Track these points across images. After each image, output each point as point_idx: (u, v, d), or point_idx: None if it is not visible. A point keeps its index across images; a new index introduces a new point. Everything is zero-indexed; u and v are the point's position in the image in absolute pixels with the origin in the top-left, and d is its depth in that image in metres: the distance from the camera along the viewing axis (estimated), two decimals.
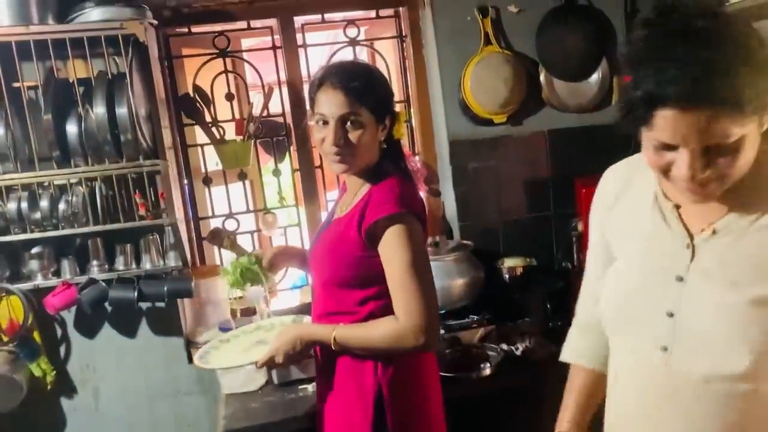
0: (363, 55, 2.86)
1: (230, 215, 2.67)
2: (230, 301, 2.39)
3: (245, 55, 2.69)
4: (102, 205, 2.21)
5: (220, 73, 2.60)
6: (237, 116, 2.64)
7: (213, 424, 2.45)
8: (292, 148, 2.71)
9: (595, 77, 2.61)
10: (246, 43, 2.78)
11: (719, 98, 0.87)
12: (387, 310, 1.50)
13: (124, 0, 2.19)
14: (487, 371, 2.03)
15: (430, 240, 2.36)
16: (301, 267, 1.92)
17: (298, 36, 2.63)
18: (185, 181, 2.59)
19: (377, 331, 1.49)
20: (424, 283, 1.46)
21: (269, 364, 1.58)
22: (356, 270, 1.52)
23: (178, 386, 2.54)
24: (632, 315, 1.13)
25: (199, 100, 2.54)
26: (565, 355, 1.39)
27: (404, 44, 2.75)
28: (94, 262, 2.30)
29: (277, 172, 2.71)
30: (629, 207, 1.19)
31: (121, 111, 2.16)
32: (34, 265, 2.25)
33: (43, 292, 2.23)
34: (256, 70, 2.65)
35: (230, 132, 2.60)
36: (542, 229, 2.69)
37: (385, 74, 2.70)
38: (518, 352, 2.14)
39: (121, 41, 2.14)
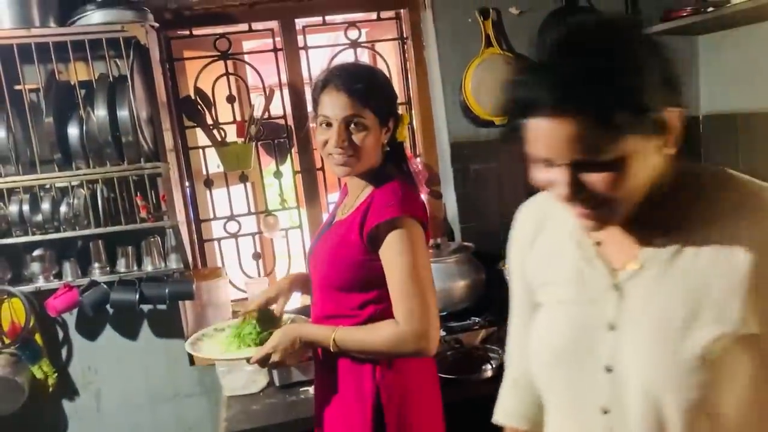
0: (364, 56, 2.86)
1: (231, 217, 2.67)
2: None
3: (246, 58, 2.70)
4: (103, 208, 2.21)
5: (222, 76, 2.60)
6: (238, 118, 2.65)
7: (214, 426, 2.46)
8: (293, 150, 2.71)
9: None
10: (247, 45, 2.79)
11: (586, 108, 0.80)
12: (387, 313, 1.49)
13: (125, 3, 2.19)
14: (489, 373, 2.03)
15: (431, 242, 2.36)
16: (303, 290, 1.87)
17: (299, 38, 2.64)
18: (186, 184, 2.60)
19: (377, 335, 1.48)
20: (424, 287, 1.45)
21: (264, 360, 1.55)
22: (357, 273, 1.52)
23: (180, 388, 2.54)
24: (566, 373, 1.00)
25: (200, 102, 2.55)
26: (497, 415, 1.23)
27: (405, 46, 2.75)
28: (96, 265, 2.30)
29: (278, 174, 2.71)
30: (548, 247, 1.07)
31: (123, 113, 2.16)
32: (35, 267, 2.25)
33: (45, 295, 2.24)
34: (258, 72, 2.66)
35: (231, 134, 2.61)
36: None
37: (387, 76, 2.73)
38: None
39: (122, 44, 2.14)
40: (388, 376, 1.53)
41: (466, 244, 2.52)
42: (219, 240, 2.70)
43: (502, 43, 2.57)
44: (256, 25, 2.63)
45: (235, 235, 2.69)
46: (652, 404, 0.89)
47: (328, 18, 2.68)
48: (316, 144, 1.60)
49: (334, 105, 1.49)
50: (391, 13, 2.73)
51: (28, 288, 2.24)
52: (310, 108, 2.02)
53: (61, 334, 2.44)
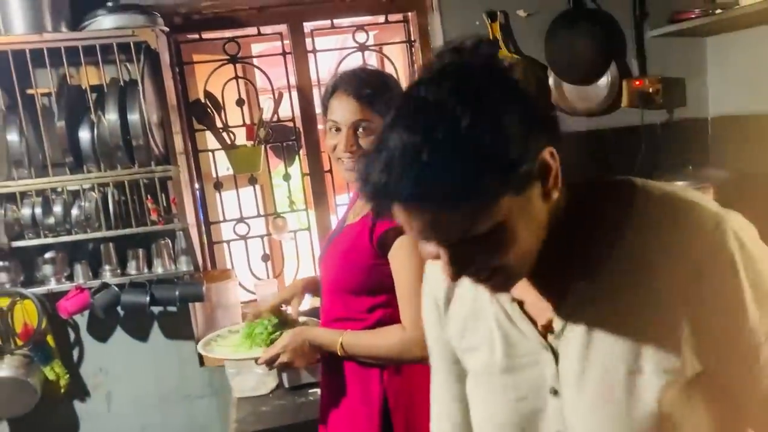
0: (372, 60, 2.87)
1: (241, 219, 2.69)
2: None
3: (255, 61, 2.71)
4: (114, 211, 2.23)
5: (231, 79, 2.62)
6: (247, 121, 2.66)
7: (224, 428, 2.47)
8: (301, 152, 2.72)
9: (604, 81, 2.61)
10: (256, 48, 2.81)
11: (431, 199, 0.69)
12: (395, 317, 1.50)
13: (135, 7, 2.21)
14: None
15: None
16: (315, 293, 1.90)
17: (308, 41, 2.65)
18: (196, 186, 2.61)
19: (384, 340, 1.49)
20: None
21: (273, 361, 1.57)
22: (366, 277, 1.52)
23: (190, 390, 2.55)
24: None
25: (209, 105, 2.56)
26: None
27: (413, 49, 2.76)
28: (107, 267, 2.32)
29: (287, 177, 2.73)
30: (466, 308, 0.94)
31: (133, 117, 2.18)
32: (47, 269, 2.28)
33: (57, 297, 2.26)
34: (266, 76, 2.67)
35: (241, 137, 2.62)
36: None
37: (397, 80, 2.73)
38: None
39: (133, 48, 2.16)
40: (396, 380, 1.53)
41: None
42: (228, 242, 2.72)
43: (509, 45, 2.57)
44: (264, 29, 2.64)
45: (244, 237, 2.70)
46: None
47: (336, 21, 2.69)
48: (326, 148, 1.60)
49: (343, 110, 1.50)
50: (398, 16, 2.74)
51: (40, 290, 2.26)
52: (318, 110, 2.02)
53: (72, 336, 2.46)
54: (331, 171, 2.70)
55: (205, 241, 2.65)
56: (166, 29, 2.30)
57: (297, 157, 2.75)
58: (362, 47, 2.70)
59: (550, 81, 2.59)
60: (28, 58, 2.10)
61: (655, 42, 2.63)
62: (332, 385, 1.65)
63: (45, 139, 2.18)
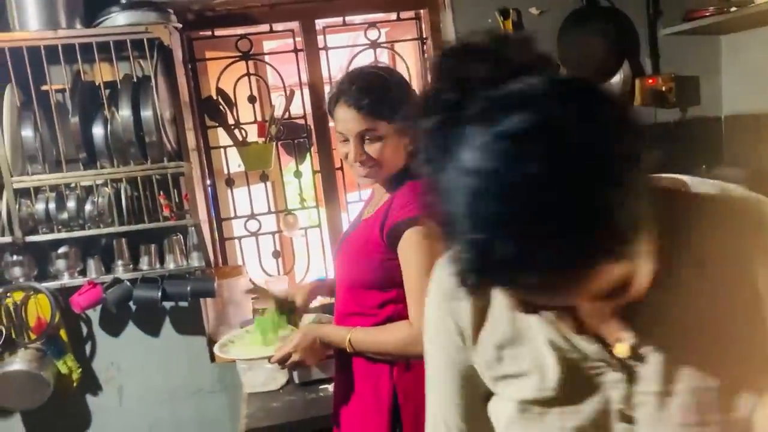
0: (384, 57, 2.87)
1: (252, 216, 2.70)
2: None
3: (267, 58, 2.72)
4: (127, 206, 2.25)
5: (243, 76, 2.63)
6: (259, 118, 2.67)
7: (234, 423, 2.48)
8: (312, 149, 2.73)
9: (617, 79, 2.60)
10: (268, 45, 2.81)
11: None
12: (406, 313, 1.50)
13: (149, 4, 2.22)
14: None
15: None
16: (328, 295, 1.92)
17: (320, 38, 2.65)
18: (208, 183, 2.63)
19: (390, 336, 1.50)
20: None
21: (285, 360, 1.59)
22: (378, 273, 1.52)
23: (201, 385, 2.57)
24: None
25: (222, 102, 2.57)
26: None
27: (425, 46, 2.75)
28: (119, 262, 2.34)
29: (298, 174, 2.73)
30: (501, 336, 0.81)
31: (146, 113, 2.19)
32: (60, 264, 2.30)
33: (70, 291, 2.28)
34: (278, 73, 2.68)
35: (252, 134, 2.63)
36: None
37: (405, 75, 2.73)
38: None
39: (146, 45, 2.18)
40: (406, 377, 1.53)
41: None
42: (240, 238, 2.73)
43: None
44: (276, 26, 2.65)
45: (255, 234, 2.71)
46: None
47: (348, 18, 2.69)
48: (339, 154, 1.61)
49: (347, 121, 1.51)
50: (410, 14, 2.74)
51: (53, 284, 2.28)
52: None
53: (85, 330, 2.48)
54: (342, 168, 2.70)
55: (217, 238, 2.66)
56: (179, 26, 2.31)
57: (308, 155, 2.75)
58: (374, 44, 2.70)
59: None
60: (42, 55, 2.12)
61: (668, 40, 2.61)
62: (344, 382, 1.66)
63: (59, 135, 2.20)
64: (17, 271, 2.27)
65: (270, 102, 2.73)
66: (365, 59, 2.73)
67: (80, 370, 2.40)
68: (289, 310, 1.76)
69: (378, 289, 1.55)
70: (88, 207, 2.24)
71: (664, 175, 0.79)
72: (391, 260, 1.50)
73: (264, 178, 2.69)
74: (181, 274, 2.34)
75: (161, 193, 2.30)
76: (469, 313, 0.83)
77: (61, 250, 2.29)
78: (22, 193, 2.22)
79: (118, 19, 2.18)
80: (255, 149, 2.57)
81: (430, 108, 0.65)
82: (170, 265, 2.36)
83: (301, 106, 2.70)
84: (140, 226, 2.26)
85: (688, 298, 0.73)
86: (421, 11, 2.71)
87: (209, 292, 2.34)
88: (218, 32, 2.60)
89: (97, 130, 2.22)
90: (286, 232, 2.73)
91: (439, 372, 0.91)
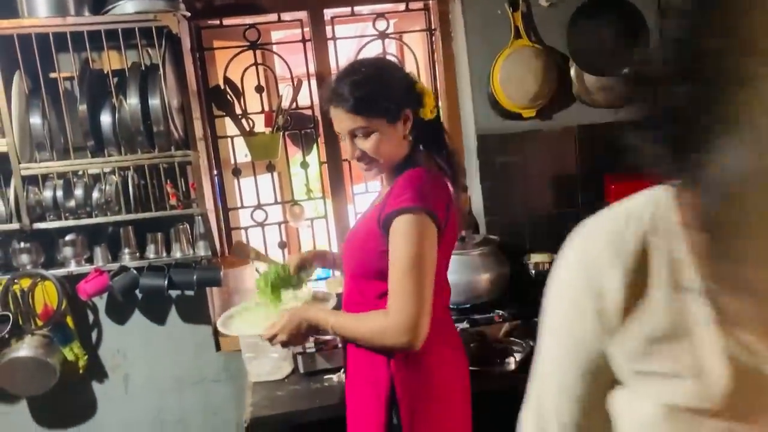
0: (392, 47, 2.86)
1: (258, 206, 2.70)
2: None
3: (275, 48, 2.71)
4: (134, 195, 2.26)
5: (251, 66, 2.63)
6: (266, 108, 2.67)
7: (239, 412, 2.49)
8: (319, 140, 2.72)
9: (626, 72, 2.58)
10: (276, 35, 2.81)
11: None
12: None
13: None
14: (512, 366, 2.03)
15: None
16: (325, 266, 1.95)
17: (328, 29, 2.65)
18: (215, 172, 2.63)
19: (365, 325, 1.50)
20: (419, 282, 1.42)
21: (272, 339, 1.62)
22: (378, 263, 1.51)
23: (206, 373, 2.58)
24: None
25: (229, 92, 2.57)
26: None
27: (433, 37, 2.74)
28: (126, 250, 2.35)
29: (304, 165, 2.73)
30: (654, 328, 0.68)
31: (154, 102, 2.19)
32: (68, 251, 2.31)
33: (77, 279, 2.29)
34: (286, 63, 2.68)
35: (260, 124, 2.63)
36: (569, 226, 2.65)
37: (413, 67, 2.72)
38: None
39: (154, 33, 2.17)
40: (403, 368, 1.53)
41: (490, 237, 2.52)
42: (246, 228, 2.73)
43: (531, 35, 2.55)
44: (284, 16, 2.65)
45: (261, 224, 2.71)
46: None
47: (357, 9, 2.68)
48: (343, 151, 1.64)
49: (338, 121, 1.55)
50: (419, 4, 2.73)
51: (60, 272, 2.29)
52: None
53: (91, 318, 2.49)
54: (348, 160, 2.70)
55: (223, 227, 2.66)
56: (188, 14, 2.31)
57: (315, 146, 2.75)
58: (382, 35, 2.69)
59: (572, 71, 2.57)
60: (51, 42, 2.12)
61: None
62: (350, 371, 1.68)
63: (67, 123, 2.21)
64: (25, 258, 2.28)
65: (277, 92, 2.73)
66: (373, 50, 2.72)
67: (86, 357, 2.42)
68: (290, 276, 1.81)
69: (379, 279, 1.54)
70: (95, 195, 2.24)
71: None
72: (387, 251, 1.50)
73: (271, 168, 2.69)
74: (188, 263, 2.35)
75: (168, 181, 2.31)
76: (618, 292, 0.69)
77: (69, 237, 2.30)
78: (29, 181, 2.23)
79: (127, 7, 2.18)
80: (262, 139, 2.57)
81: None
82: (177, 253, 2.36)
83: (308, 97, 2.69)
84: (147, 215, 2.26)
85: None
86: (430, 2, 2.70)
87: (215, 281, 2.35)
88: (226, 21, 2.60)
89: (105, 118, 2.22)
90: (292, 223, 2.73)
91: (560, 358, 0.77)
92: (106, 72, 2.23)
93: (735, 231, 0.56)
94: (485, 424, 1.78)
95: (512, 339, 2.18)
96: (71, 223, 2.25)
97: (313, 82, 2.66)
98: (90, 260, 2.34)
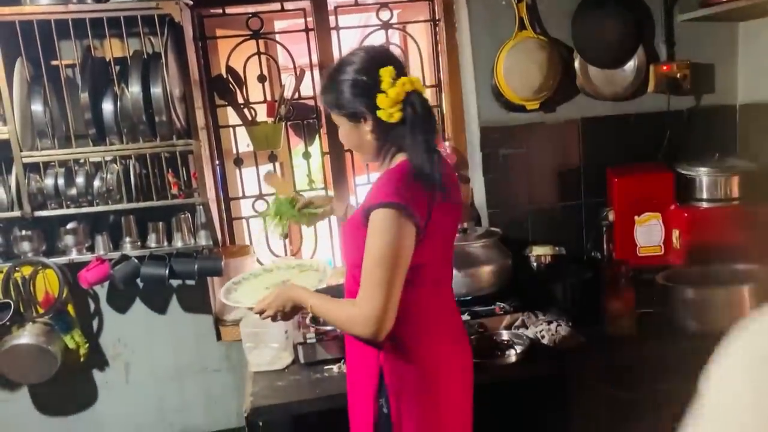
0: (395, 38, 2.84)
1: (260, 196, 2.70)
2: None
3: (278, 37, 2.70)
4: (135, 183, 2.25)
5: (253, 55, 2.61)
6: (268, 98, 2.66)
7: (240, 401, 2.50)
8: (322, 131, 2.72)
9: (631, 65, 2.57)
10: (279, 25, 2.79)
11: None
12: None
13: None
14: (512, 359, 2.03)
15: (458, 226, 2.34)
16: (332, 213, 2.06)
17: (331, 18, 2.63)
18: (217, 162, 2.62)
19: (337, 311, 1.52)
20: (387, 275, 1.42)
21: (259, 313, 1.64)
22: (361, 252, 1.52)
23: (207, 363, 2.59)
24: None
25: (231, 81, 2.56)
26: None
27: (437, 28, 2.73)
28: (127, 239, 2.34)
29: (306, 155, 2.72)
30: None
31: (156, 91, 2.19)
32: (69, 240, 2.31)
33: (78, 267, 2.29)
34: (289, 53, 2.66)
35: (261, 114, 2.62)
36: (572, 218, 2.67)
37: (416, 56, 2.70)
38: (544, 341, 2.13)
39: (156, 21, 2.17)
40: (391, 359, 1.53)
41: (493, 229, 2.51)
42: (248, 218, 2.73)
43: (535, 26, 2.53)
44: (288, 5, 2.63)
45: (263, 214, 2.71)
46: None
47: None
48: None
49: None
50: None
51: (61, 260, 2.29)
52: None
53: (92, 306, 2.50)
54: (351, 151, 2.69)
55: (225, 217, 2.66)
56: (190, 2, 2.30)
57: (317, 136, 2.74)
58: (386, 25, 2.67)
59: (576, 64, 2.55)
60: (53, 29, 2.11)
61: (684, 26, 2.57)
62: (347, 359, 1.70)
63: (68, 111, 2.20)
64: (26, 245, 2.28)
65: (280, 82, 2.71)
66: (377, 40, 2.70)
67: (87, 345, 2.42)
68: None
69: None
70: (96, 183, 2.24)
71: None
72: None
73: (273, 158, 2.68)
74: (189, 253, 2.35)
75: (170, 170, 2.30)
76: None
77: (70, 225, 2.30)
78: (31, 168, 2.22)
79: None
80: (264, 129, 2.56)
81: None
82: (178, 243, 2.36)
83: (311, 87, 2.68)
84: (148, 204, 2.26)
85: None
86: None
87: (216, 271, 2.35)
88: (229, 10, 2.58)
89: (107, 107, 2.21)
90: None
91: None
92: (108, 60, 2.22)
93: None
94: (486, 415, 1.78)
95: (513, 331, 2.18)
96: (72, 211, 2.24)
97: (316, 72, 2.65)
98: (91, 249, 2.34)
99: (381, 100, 1.46)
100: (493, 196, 2.63)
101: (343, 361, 1.98)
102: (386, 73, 1.46)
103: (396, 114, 1.47)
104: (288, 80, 2.61)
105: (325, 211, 2.02)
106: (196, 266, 2.31)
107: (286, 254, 2.77)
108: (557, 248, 2.51)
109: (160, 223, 2.36)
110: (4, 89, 2.13)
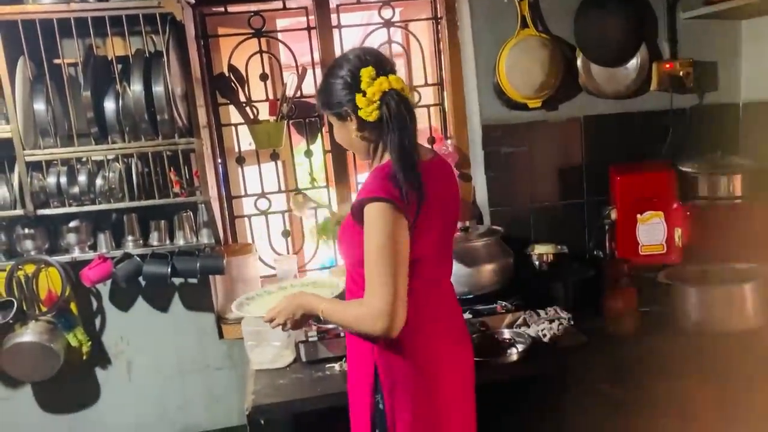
0: (397, 36, 2.84)
1: (262, 195, 2.70)
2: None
3: (280, 36, 2.70)
4: (138, 182, 2.26)
5: (255, 53, 2.61)
6: (271, 97, 2.66)
7: (241, 399, 2.50)
8: (323, 129, 2.71)
9: (633, 63, 2.56)
10: (281, 23, 2.79)
11: None
12: None
13: None
14: (514, 357, 2.03)
15: (459, 225, 2.35)
16: None
17: (333, 17, 2.63)
18: (219, 160, 2.63)
19: (347, 312, 1.53)
20: (389, 269, 1.43)
21: (270, 321, 1.65)
22: (357, 251, 1.52)
23: (209, 361, 2.59)
24: None
25: (233, 79, 2.56)
26: None
27: (439, 26, 2.72)
28: (129, 238, 2.35)
29: (308, 153, 2.72)
30: None
31: (158, 89, 2.19)
32: (71, 238, 2.31)
33: (80, 265, 2.29)
34: (291, 51, 2.66)
35: (264, 112, 2.62)
36: (574, 217, 2.66)
37: (419, 55, 2.70)
38: (546, 339, 2.12)
39: (158, 20, 2.16)
40: (385, 355, 1.55)
41: (495, 227, 2.51)
42: (249, 217, 2.73)
43: (537, 24, 2.52)
44: (290, 3, 2.63)
45: (265, 213, 2.71)
46: None
47: None
48: None
49: None
50: None
51: (64, 258, 2.30)
52: None
53: (95, 304, 2.50)
54: None
55: (227, 215, 2.66)
56: (192, 1, 2.29)
57: (319, 134, 2.74)
58: (388, 23, 2.67)
59: (579, 62, 2.54)
60: (55, 28, 2.11)
61: (687, 24, 2.56)
62: (347, 357, 1.71)
63: (71, 109, 2.20)
64: (29, 244, 2.29)
65: (282, 80, 2.71)
66: (379, 38, 2.70)
67: (90, 343, 2.43)
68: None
69: (363, 268, 1.54)
70: (99, 182, 2.24)
71: None
72: (362, 240, 1.51)
73: (275, 156, 2.68)
74: (191, 251, 2.35)
75: (172, 169, 2.31)
76: None
77: (72, 224, 2.31)
78: (33, 167, 2.23)
79: None
80: (266, 127, 2.56)
81: None
82: (180, 241, 2.37)
83: (313, 85, 2.67)
84: (150, 202, 2.26)
85: None
86: None
87: (218, 269, 2.35)
88: (231, 8, 2.58)
89: (109, 105, 2.22)
90: (295, 212, 2.72)
91: None
92: (110, 58, 2.23)
93: None
94: (488, 414, 1.78)
95: (514, 330, 2.18)
96: (75, 209, 2.25)
97: (318, 70, 2.65)
98: (93, 247, 2.34)
99: (359, 99, 1.50)
100: (494, 195, 2.63)
101: (344, 359, 1.98)
102: (366, 73, 1.49)
103: (374, 113, 1.50)
104: (290, 79, 2.60)
105: None
106: (198, 264, 2.31)
107: (288, 252, 2.77)
108: (559, 247, 2.51)
109: (163, 221, 2.37)
110: (6, 88, 2.13)
